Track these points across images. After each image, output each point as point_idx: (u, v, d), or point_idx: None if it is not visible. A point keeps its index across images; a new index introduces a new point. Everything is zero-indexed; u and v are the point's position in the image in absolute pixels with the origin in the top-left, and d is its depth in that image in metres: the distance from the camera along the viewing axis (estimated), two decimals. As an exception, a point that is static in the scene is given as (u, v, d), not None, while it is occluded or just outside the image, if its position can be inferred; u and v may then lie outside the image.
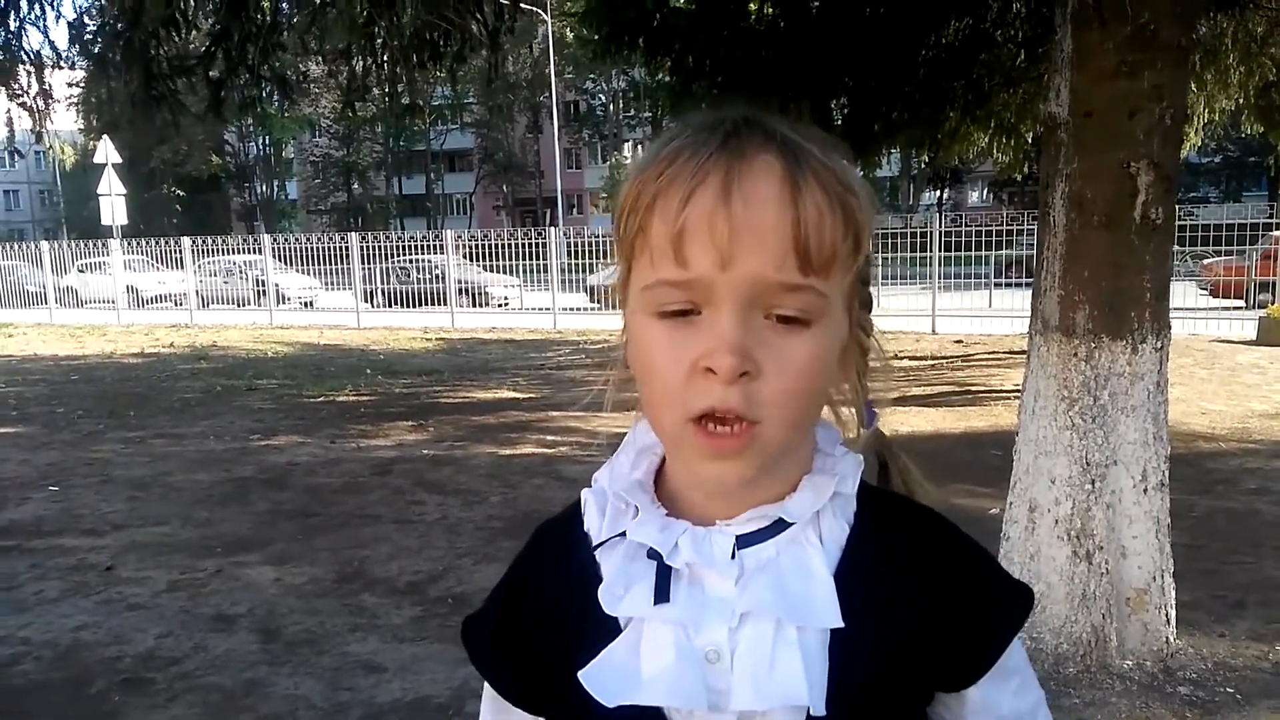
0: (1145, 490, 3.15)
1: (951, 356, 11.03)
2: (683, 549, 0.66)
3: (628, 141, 53.49)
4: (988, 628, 0.69)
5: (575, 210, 54.78)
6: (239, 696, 3.24)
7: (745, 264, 0.60)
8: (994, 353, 11.15)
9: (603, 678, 0.67)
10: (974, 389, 8.65)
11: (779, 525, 0.67)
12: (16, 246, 21.78)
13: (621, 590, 0.68)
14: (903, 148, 9.79)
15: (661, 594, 0.66)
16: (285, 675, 3.40)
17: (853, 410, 0.74)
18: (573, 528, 0.75)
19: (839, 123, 7.49)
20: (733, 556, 0.66)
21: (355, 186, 54.61)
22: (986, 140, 8.79)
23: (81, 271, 20.86)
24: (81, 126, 40.59)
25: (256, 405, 9.20)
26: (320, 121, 48.20)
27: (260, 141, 54.41)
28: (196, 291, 19.40)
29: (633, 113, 49.44)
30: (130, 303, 19.99)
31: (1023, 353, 8.84)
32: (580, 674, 0.67)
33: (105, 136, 18.99)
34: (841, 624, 0.64)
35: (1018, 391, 7.51)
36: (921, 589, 0.67)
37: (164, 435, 7.81)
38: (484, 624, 0.79)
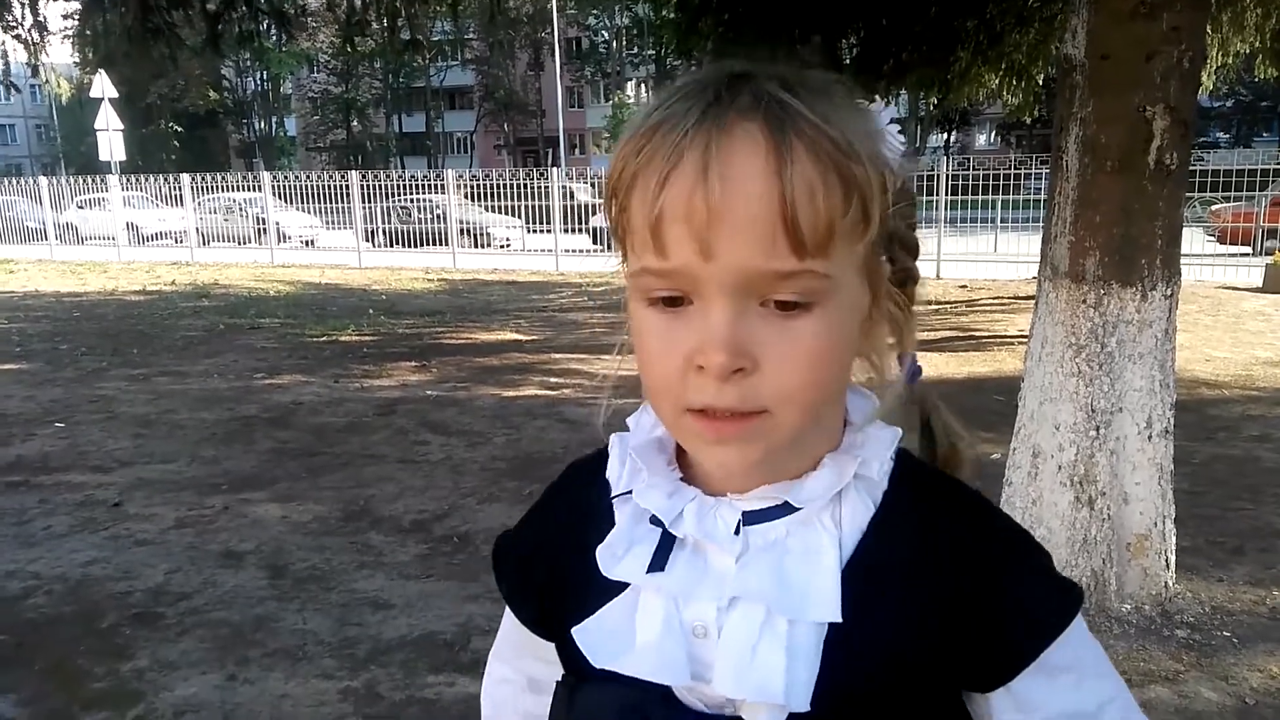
0: (1150, 437, 3.16)
1: (955, 301, 11.00)
2: (687, 518, 0.64)
3: (630, 80, 52.71)
4: (1020, 628, 0.62)
5: (577, 150, 54.24)
6: (248, 631, 3.29)
7: (729, 253, 0.54)
8: (999, 298, 11.13)
9: (594, 638, 0.66)
10: (977, 334, 8.63)
11: (791, 505, 0.63)
12: (14, 182, 21.56)
13: (621, 551, 0.66)
14: (912, 89, 9.65)
15: (657, 562, 0.64)
16: (294, 611, 3.45)
17: (890, 371, 0.69)
18: (598, 472, 0.72)
19: (848, 62, 7.38)
20: (737, 532, 0.63)
21: (354, 124, 53.97)
22: (997, 82, 8.66)
23: (81, 208, 20.70)
24: (77, 60, 39.97)
25: (259, 344, 9.20)
26: (318, 57, 47.43)
27: (258, 77, 53.64)
28: (197, 229, 19.28)
29: (636, 50, 48.66)
30: (131, 240, 19.89)
31: (1027, 298, 8.82)
32: (574, 630, 0.66)
33: (101, 70, 18.71)
34: (839, 619, 0.60)
35: (1022, 337, 7.50)
36: (943, 582, 0.62)
37: (168, 373, 7.83)
38: (510, 546, 0.80)
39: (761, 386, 0.56)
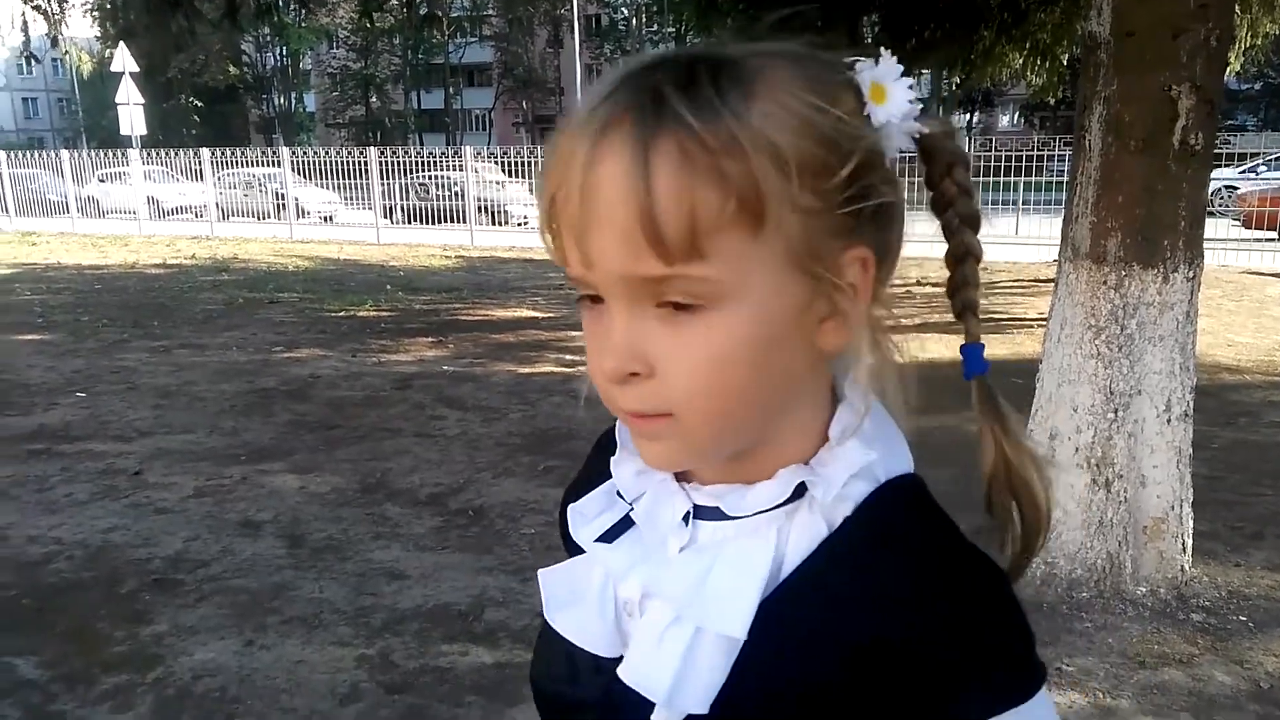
0: (1169, 420, 3.14)
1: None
2: (644, 499, 0.64)
3: (650, 58, 52.40)
4: (945, 699, 0.55)
5: (596, 128, 53.95)
6: (266, 599, 3.33)
7: (602, 260, 0.53)
8: (1019, 280, 11.04)
9: (551, 586, 0.68)
10: (996, 316, 8.58)
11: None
12: (37, 155, 21.70)
13: (591, 515, 0.67)
14: (934, 68, 9.56)
15: (608, 535, 0.65)
16: (310, 580, 3.48)
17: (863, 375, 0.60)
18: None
19: (869, 41, 7.32)
20: (687, 522, 0.62)
21: (373, 100, 53.94)
22: (1021, 61, 8.57)
23: (102, 181, 20.81)
24: (98, 33, 40.11)
25: (278, 318, 9.26)
26: (337, 32, 47.37)
27: (277, 52, 53.65)
28: (216, 204, 19.35)
29: (656, 28, 48.28)
30: (151, 214, 19.99)
31: (1048, 281, 8.73)
32: (540, 571, 0.68)
33: (122, 44, 18.75)
34: (743, 636, 0.57)
35: (1041, 320, 7.43)
36: (872, 628, 0.56)
37: (188, 345, 7.90)
38: (569, 490, 0.81)
39: (661, 390, 0.55)
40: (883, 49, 0.57)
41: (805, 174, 0.52)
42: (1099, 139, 3.13)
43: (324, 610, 3.25)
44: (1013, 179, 13.70)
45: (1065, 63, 8.75)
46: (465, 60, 54.06)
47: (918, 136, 0.58)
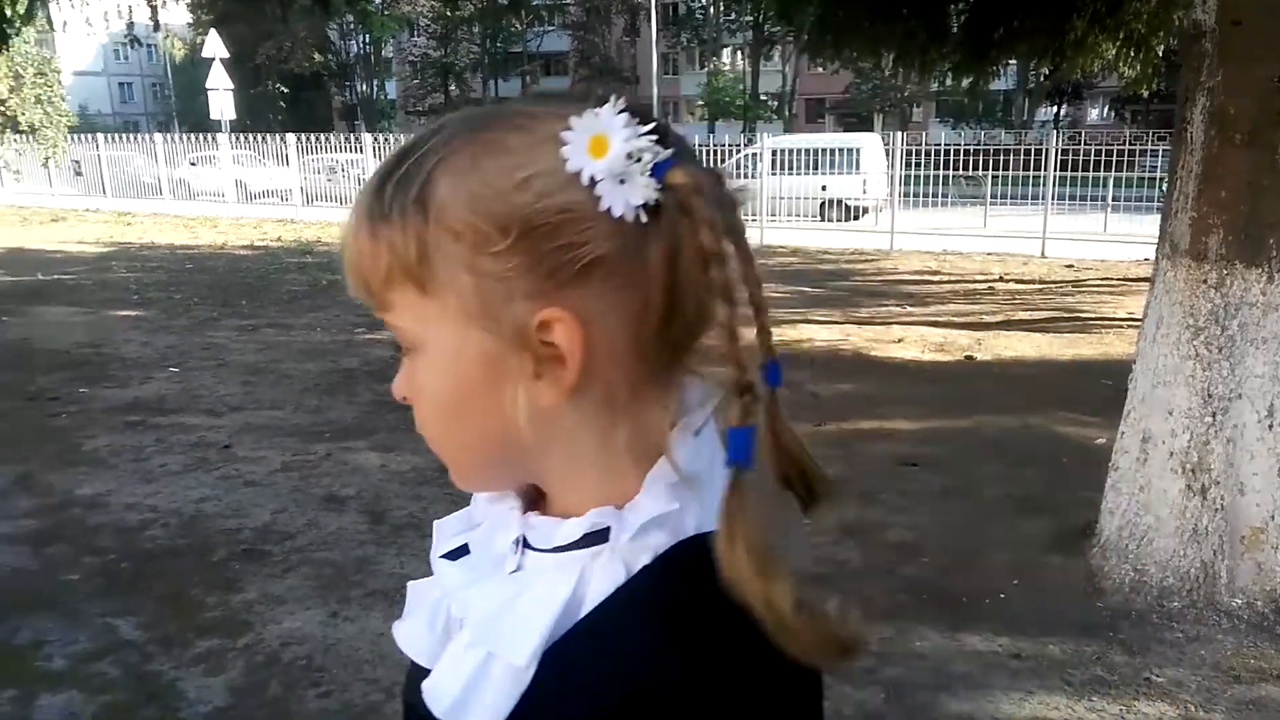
0: (1270, 426, 3.02)
1: (1061, 281, 10.62)
2: (486, 523, 0.66)
3: (727, 47, 52.08)
4: None
5: (671, 117, 53.92)
6: (350, 572, 3.43)
7: None
8: (1107, 279, 10.70)
9: (410, 597, 0.70)
10: (1084, 316, 8.33)
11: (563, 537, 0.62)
12: (132, 138, 22.51)
13: (449, 533, 0.69)
14: (1022, 58, 9.28)
15: (455, 552, 0.67)
16: (392, 555, 3.57)
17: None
18: None
19: (955, 30, 7.16)
20: (517, 549, 0.63)
21: (452, 88, 54.66)
22: (1114, 52, 8.27)
23: (193, 164, 21.49)
24: (190, 20, 41.40)
25: (359, 301, 9.45)
26: (419, 20, 48.13)
27: (360, 40, 54.68)
28: (301, 188, 19.83)
29: (734, 16, 47.93)
30: (239, 196, 20.58)
31: (1138, 280, 8.40)
32: (409, 583, 0.70)
33: (213, 30, 19.31)
34: (521, 664, 0.57)
35: (1131, 320, 7.19)
36: (641, 678, 0.55)
37: (274, 325, 8.13)
38: None
39: (417, 418, 0.63)
40: (613, 98, 0.55)
41: (468, 241, 0.56)
42: (1201, 132, 3.03)
43: (405, 586, 3.32)
44: (1102, 174, 13.29)
45: (1161, 54, 8.41)
46: (543, 49, 54.48)
47: (660, 188, 0.54)
